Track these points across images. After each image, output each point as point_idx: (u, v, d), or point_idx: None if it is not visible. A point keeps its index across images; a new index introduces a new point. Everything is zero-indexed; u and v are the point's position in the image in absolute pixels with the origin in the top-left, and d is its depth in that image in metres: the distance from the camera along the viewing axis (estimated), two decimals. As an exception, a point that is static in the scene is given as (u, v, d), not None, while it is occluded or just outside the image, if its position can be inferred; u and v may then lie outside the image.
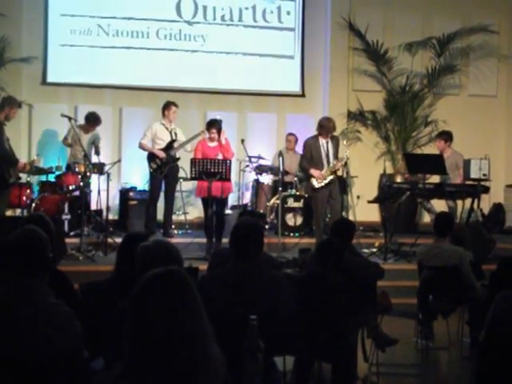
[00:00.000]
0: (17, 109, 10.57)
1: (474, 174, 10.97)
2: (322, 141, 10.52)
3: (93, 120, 11.96)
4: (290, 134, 13.31)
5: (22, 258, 3.55)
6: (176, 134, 11.45)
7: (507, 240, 11.12)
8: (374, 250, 10.92)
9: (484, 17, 14.39)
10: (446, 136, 12.03)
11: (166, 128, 11.42)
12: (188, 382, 2.33)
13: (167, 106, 11.46)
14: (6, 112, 10.19)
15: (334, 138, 10.71)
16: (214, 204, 10.44)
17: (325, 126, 10.50)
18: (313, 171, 10.43)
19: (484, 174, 10.93)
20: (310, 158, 10.55)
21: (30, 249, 3.58)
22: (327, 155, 10.49)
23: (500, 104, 14.91)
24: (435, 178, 11.66)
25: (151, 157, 11.26)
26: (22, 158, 11.01)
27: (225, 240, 9.98)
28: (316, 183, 10.40)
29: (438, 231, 7.60)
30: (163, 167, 11.20)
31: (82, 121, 12.03)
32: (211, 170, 10.19)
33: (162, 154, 11.20)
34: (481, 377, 3.96)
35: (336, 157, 10.57)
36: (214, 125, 10.67)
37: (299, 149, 13.09)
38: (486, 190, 11.14)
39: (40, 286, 3.53)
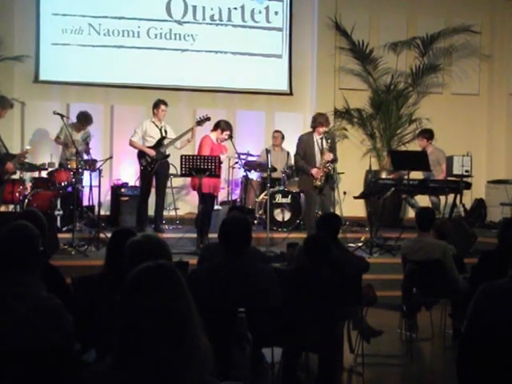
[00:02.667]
0: (8, 109, 10.71)
1: (456, 171, 11.08)
2: (317, 137, 10.50)
3: (84, 120, 12.04)
4: (277, 131, 13.41)
5: (12, 252, 3.57)
6: (166, 132, 11.48)
7: (488, 234, 11.15)
8: (360, 244, 10.97)
9: (466, 17, 14.54)
10: (428, 134, 12.19)
11: (156, 126, 11.44)
12: (176, 374, 2.36)
13: (157, 104, 11.50)
14: None
15: (330, 135, 10.73)
16: (205, 199, 10.64)
17: (317, 119, 10.51)
18: (313, 171, 10.39)
19: (466, 171, 11.05)
20: (304, 154, 10.56)
21: (20, 243, 3.60)
22: (321, 152, 10.46)
23: (482, 102, 15.06)
24: (418, 174, 11.78)
25: (142, 154, 11.31)
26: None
27: (212, 235, 10.15)
28: (318, 183, 10.39)
29: (421, 226, 7.69)
30: (153, 164, 11.26)
31: (74, 119, 12.09)
32: (201, 167, 10.26)
33: (153, 153, 11.22)
34: (462, 366, 4.11)
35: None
36: (230, 127, 10.96)
37: (286, 145, 13.27)
38: (468, 185, 11.30)
39: (31, 279, 3.54)
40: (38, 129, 13.17)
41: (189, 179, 11.52)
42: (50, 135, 12.59)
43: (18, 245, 3.60)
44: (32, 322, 3.34)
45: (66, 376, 3.40)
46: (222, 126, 10.92)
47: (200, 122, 11.22)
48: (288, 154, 13.10)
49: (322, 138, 10.51)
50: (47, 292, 3.60)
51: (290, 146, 12.90)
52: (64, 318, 3.50)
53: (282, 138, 13.32)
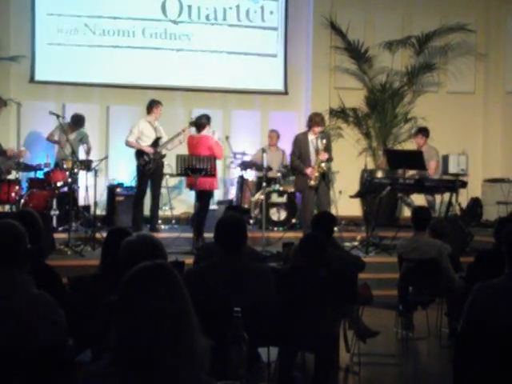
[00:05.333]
0: (3, 108, 10.71)
1: (452, 169, 11.13)
2: (311, 137, 10.48)
3: (76, 121, 12.04)
4: (272, 131, 13.40)
5: None
6: (159, 131, 11.58)
7: (484, 233, 11.17)
8: (356, 243, 11.01)
9: (462, 16, 14.54)
10: (426, 132, 12.22)
11: (151, 125, 11.46)
12: (173, 374, 2.35)
13: (156, 104, 11.45)
14: None
15: (325, 135, 10.68)
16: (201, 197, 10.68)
17: (313, 119, 10.50)
18: (308, 170, 10.36)
19: (462, 169, 11.11)
20: (299, 154, 10.52)
21: (6, 243, 3.57)
22: (316, 151, 10.42)
23: (477, 101, 15.08)
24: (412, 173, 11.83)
25: (140, 153, 11.28)
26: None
27: (207, 235, 10.13)
28: (313, 183, 10.36)
29: (417, 225, 7.72)
30: (151, 163, 11.28)
31: (69, 119, 12.08)
32: (196, 166, 10.30)
33: (152, 151, 11.23)
34: (459, 365, 4.11)
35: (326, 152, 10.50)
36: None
37: (281, 145, 13.27)
38: (464, 184, 11.28)
39: (20, 278, 3.53)
40: (33, 129, 13.15)
41: (184, 179, 11.50)
42: (46, 135, 12.54)
43: (4, 245, 3.57)
44: (25, 320, 3.33)
45: (62, 373, 3.39)
46: (208, 121, 10.95)
47: (193, 124, 11.21)
48: (283, 153, 13.09)
49: (317, 138, 10.48)
50: (44, 291, 3.58)
51: (286, 145, 12.92)
52: (56, 313, 3.49)
53: (278, 137, 13.32)
